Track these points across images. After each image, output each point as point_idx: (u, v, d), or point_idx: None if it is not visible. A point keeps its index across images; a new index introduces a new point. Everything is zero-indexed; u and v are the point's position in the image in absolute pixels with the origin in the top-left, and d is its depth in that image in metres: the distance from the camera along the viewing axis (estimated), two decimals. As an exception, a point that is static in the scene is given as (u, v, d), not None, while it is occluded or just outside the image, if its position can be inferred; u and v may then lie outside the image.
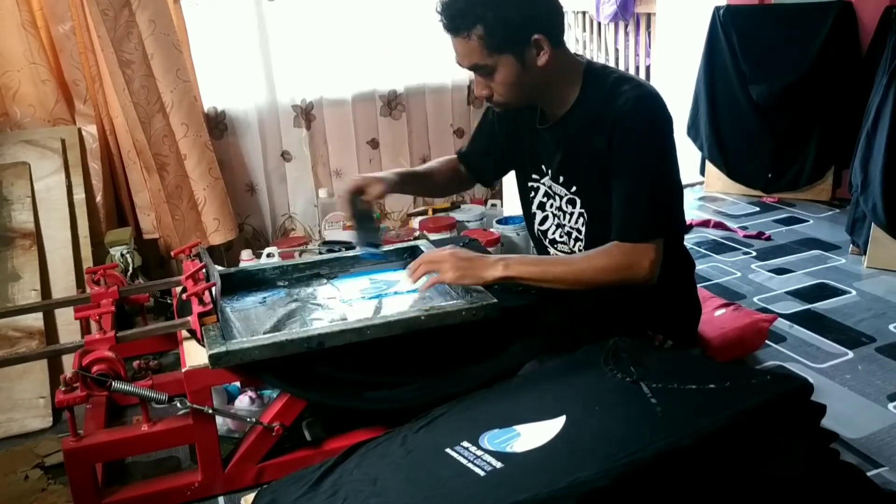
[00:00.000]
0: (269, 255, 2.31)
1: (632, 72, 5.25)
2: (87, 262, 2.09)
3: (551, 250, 1.74)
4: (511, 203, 2.56)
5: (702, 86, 3.34)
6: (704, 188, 3.49)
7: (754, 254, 2.72)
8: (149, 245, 2.47)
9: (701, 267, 2.58)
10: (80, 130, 2.24)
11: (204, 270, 1.63)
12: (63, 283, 2.04)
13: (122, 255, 2.11)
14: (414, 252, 1.89)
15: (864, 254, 2.54)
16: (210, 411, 1.43)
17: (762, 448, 1.18)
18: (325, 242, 2.43)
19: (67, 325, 1.94)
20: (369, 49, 2.70)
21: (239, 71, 2.55)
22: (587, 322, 1.55)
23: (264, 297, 1.72)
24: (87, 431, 1.50)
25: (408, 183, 1.80)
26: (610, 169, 1.51)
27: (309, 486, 1.24)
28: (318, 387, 1.46)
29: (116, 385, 1.37)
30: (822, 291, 2.36)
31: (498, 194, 3.00)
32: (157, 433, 1.44)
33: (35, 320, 1.91)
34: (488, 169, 1.87)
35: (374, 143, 2.81)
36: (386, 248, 1.92)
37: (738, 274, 2.55)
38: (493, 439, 1.21)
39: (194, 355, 1.45)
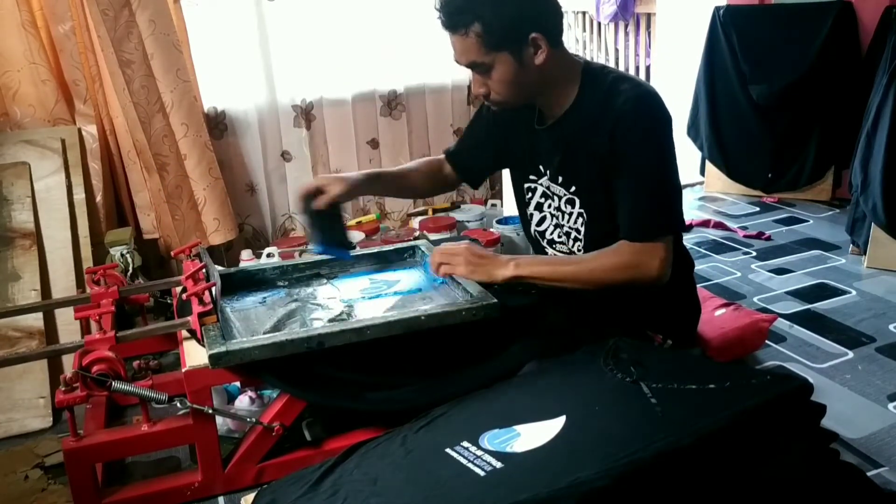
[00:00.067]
0: (269, 255, 2.31)
1: (632, 72, 5.25)
2: (87, 262, 2.09)
3: (549, 251, 1.74)
4: (511, 203, 2.55)
5: (702, 86, 3.34)
6: (704, 188, 3.49)
7: (754, 254, 2.72)
8: (149, 245, 2.47)
9: (701, 267, 2.57)
10: (80, 130, 2.24)
11: (204, 270, 1.63)
12: (63, 283, 2.03)
13: (122, 255, 2.10)
14: (414, 252, 1.90)
15: (864, 254, 2.54)
16: (210, 411, 1.42)
17: (762, 448, 1.18)
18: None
19: (67, 325, 1.94)
20: (369, 49, 2.70)
21: (239, 71, 2.55)
22: (587, 322, 1.54)
23: (264, 297, 1.72)
24: (87, 431, 1.50)
25: (377, 183, 1.78)
26: (610, 169, 1.51)
27: (309, 486, 1.24)
28: (318, 387, 1.46)
29: (116, 385, 1.37)
30: (822, 291, 2.35)
31: (498, 194, 3.00)
32: (157, 433, 1.43)
33: (35, 320, 1.91)
34: (477, 167, 1.85)
35: (374, 143, 2.81)
36: (386, 248, 1.92)
37: (738, 274, 2.54)
38: (493, 439, 1.21)
39: (194, 355, 1.45)
